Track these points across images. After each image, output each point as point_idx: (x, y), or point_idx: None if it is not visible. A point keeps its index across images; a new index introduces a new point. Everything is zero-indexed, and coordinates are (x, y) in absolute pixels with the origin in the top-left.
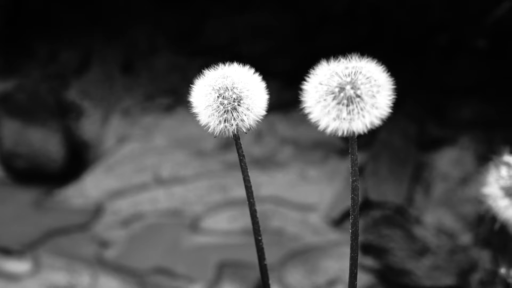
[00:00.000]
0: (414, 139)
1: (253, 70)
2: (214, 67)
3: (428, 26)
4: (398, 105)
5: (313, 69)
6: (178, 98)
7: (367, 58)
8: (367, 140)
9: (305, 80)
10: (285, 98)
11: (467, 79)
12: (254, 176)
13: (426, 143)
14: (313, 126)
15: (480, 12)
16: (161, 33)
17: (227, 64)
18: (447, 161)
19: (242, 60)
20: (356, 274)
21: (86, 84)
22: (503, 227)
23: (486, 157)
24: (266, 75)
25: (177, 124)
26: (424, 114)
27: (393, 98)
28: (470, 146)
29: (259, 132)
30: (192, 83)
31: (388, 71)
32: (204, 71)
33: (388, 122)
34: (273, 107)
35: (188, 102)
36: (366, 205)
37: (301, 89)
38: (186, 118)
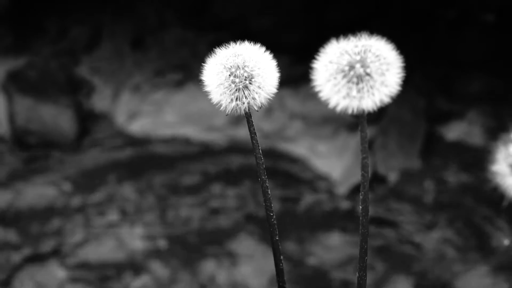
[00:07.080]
0: (423, 113)
1: (264, 48)
2: (225, 45)
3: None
4: (406, 79)
5: (323, 46)
6: (188, 74)
7: (376, 35)
8: (376, 114)
9: (313, 56)
10: (294, 73)
11: (475, 53)
12: None
13: (435, 117)
14: (323, 101)
15: None
16: (170, 8)
17: (238, 42)
18: (455, 135)
19: (251, 34)
20: (366, 249)
21: (96, 60)
22: None
23: (494, 132)
24: (275, 50)
25: (187, 100)
26: (432, 88)
27: (402, 75)
28: (478, 120)
29: (268, 107)
30: (202, 59)
31: (396, 45)
32: (215, 48)
33: (396, 96)
34: (282, 82)
35: (198, 77)
36: (375, 179)
37: (310, 64)
38: (197, 94)
